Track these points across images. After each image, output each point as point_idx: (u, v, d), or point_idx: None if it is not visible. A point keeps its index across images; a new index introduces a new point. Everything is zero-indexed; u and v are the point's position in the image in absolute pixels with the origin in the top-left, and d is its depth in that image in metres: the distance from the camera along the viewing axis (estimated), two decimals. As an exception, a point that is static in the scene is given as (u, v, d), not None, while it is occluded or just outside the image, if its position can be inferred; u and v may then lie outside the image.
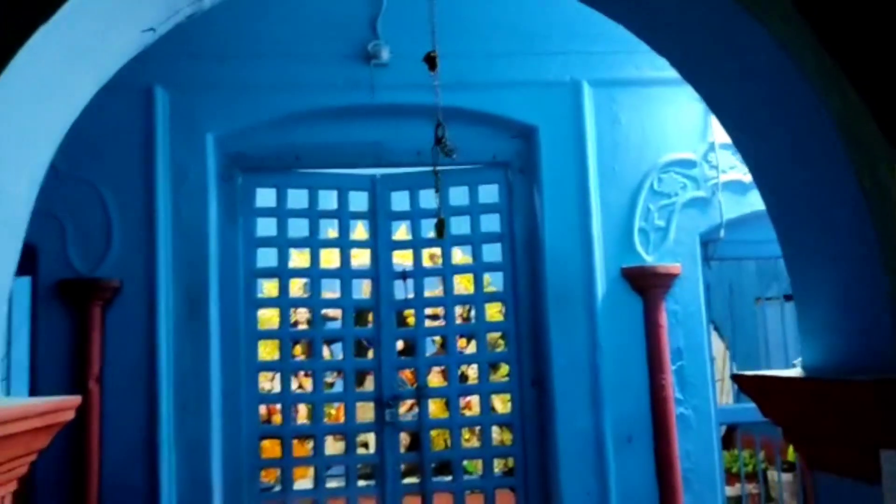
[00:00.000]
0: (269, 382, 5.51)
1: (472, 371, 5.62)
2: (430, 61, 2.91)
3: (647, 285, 4.64)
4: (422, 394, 4.91)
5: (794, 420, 2.27)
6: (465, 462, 4.99)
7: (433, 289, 5.61)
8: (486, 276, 5.28)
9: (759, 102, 2.19)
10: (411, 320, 5.28)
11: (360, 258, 5.14)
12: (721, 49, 2.20)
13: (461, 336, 5.53)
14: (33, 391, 4.29)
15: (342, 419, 4.98)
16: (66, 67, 1.99)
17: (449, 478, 4.98)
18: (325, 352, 5.64)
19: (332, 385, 6.11)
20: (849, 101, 1.89)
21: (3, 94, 1.80)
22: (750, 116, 2.30)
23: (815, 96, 1.93)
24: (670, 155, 4.76)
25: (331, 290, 5.13)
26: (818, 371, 2.17)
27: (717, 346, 6.22)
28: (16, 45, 1.78)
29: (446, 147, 3.09)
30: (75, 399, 2.24)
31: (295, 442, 4.92)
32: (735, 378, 2.58)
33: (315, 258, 4.93)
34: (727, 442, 5.84)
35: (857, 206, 1.92)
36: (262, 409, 5.19)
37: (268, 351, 5.23)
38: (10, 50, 1.77)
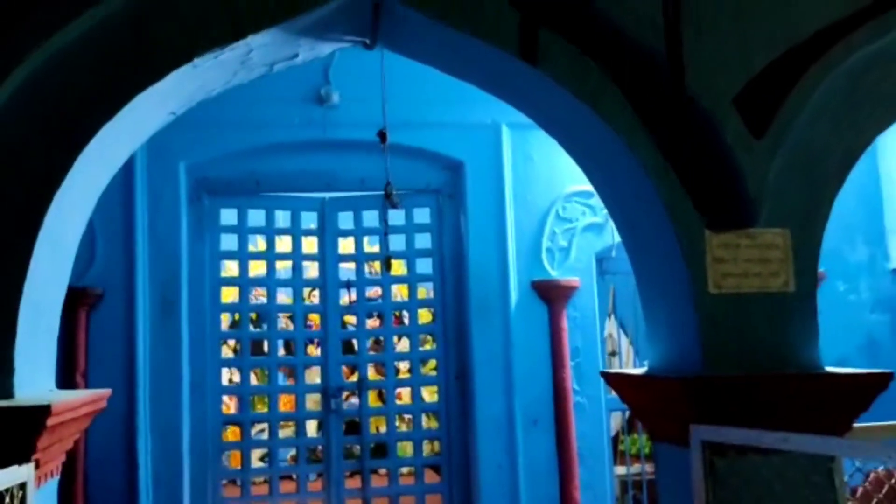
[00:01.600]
0: (230, 376, 6.11)
1: (405, 366, 6.30)
2: (382, 136, 3.59)
3: (551, 296, 5.44)
4: (362, 386, 5.61)
5: (640, 404, 3.08)
6: (398, 444, 5.69)
7: (373, 293, 6.28)
8: (419, 286, 5.99)
9: (619, 181, 2.98)
10: (353, 322, 5.96)
11: (311, 269, 5.80)
12: (593, 145, 2.98)
13: (396, 336, 6.22)
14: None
15: (293, 409, 5.62)
16: (115, 142, 2.63)
17: (384, 459, 5.69)
18: (280, 351, 6.25)
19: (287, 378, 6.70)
20: (675, 188, 2.69)
21: (78, 167, 2.43)
22: (613, 188, 3.09)
23: (651, 183, 2.71)
24: (573, 187, 5.53)
25: (284, 297, 5.75)
26: (654, 370, 2.98)
27: (625, 342, 7.04)
28: (91, 132, 2.42)
29: (394, 201, 3.79)
30: (107, 391, 2.88)
31: (252, 427, 5.56)
32: (602, 374, 3.38)
33: (271, 269, 5.56)
34: (631, 427, 6.61)
35: (677, 258, 2.72)
36: (225, 399, 5.79)
37: (230, 348, 5.82)
38: (90, 133, 2.41)
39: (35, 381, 2.48)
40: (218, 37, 2.50)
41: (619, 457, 6.21)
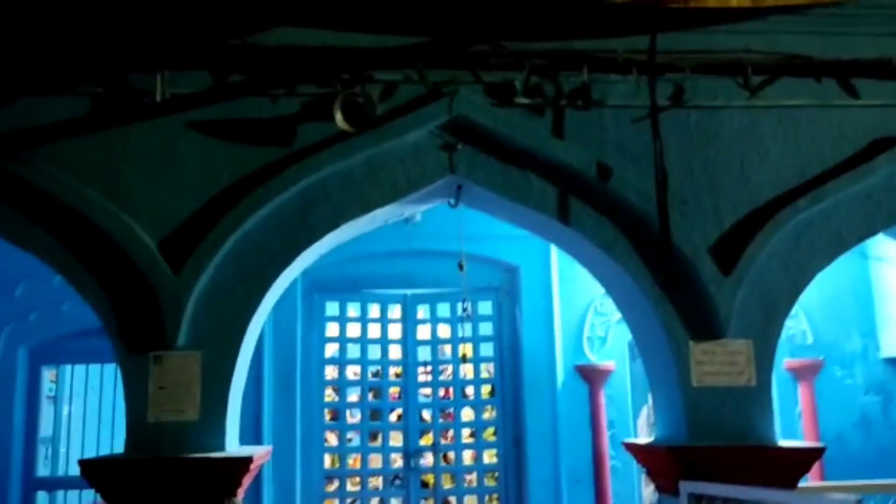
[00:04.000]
0: (331, 438, 7.15)
1: (469, 432, 7.20)
2: (460, 266, 4.68)
3: (591, 377, 6.38)
4: (436, 449, 6.58)
5: (648, 466, 4.00)
6: (465, 498, 6.60)
7: (445, 374, 7.30)
8: (482, 366, 6.99)
9: (630, 303, 3.98)
10: (428, 394, 6.98)
11: (394, 351, 6.87)
12: (611, 278, 4.01)
13: (463, 407, 7.17)
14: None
15: (380, 465, 6.60)
16: (286, 279, 3.75)
17: (453, 509, 6.63)
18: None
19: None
20: (669, 310, 3.67)
21: (264, 300, 3.56)
22: (626, 307, 4.10)
23: (651, 306, 3.70)
24: (609, 287, 6.51)
25: (374, 374, 6.82)
26: (656, 440, 3.91)
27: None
28: (274, 277, 3.55)
29: (468, 313, 4.85)
30: (269, 447, 3.95)
31: (347, 480, 6.57)
32: (623, 444, 4.33)
33: (364, 351, 6.65)
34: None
35: (670, 359, 3.69)
36: (327, 457, 6.81)
37: (331, 416, 6.88)
38: (273, 277, 3.54)
39: (233, 441, 3.56)
40: (356, 212, 3.64)
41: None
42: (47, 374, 6.32)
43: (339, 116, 3.52)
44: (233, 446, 3.53)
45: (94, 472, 3.24)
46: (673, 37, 3.75)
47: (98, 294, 3.42)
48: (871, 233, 3.90)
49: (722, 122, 3.85)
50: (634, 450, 4.15)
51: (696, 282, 3.66)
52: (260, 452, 3.57)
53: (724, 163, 3.82)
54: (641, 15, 3.70)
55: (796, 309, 6.43)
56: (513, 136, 3.72)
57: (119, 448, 3.43)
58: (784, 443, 3.69)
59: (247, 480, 3.38)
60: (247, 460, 3.27)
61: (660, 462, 3.79)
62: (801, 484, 3.68)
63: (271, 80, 3.63)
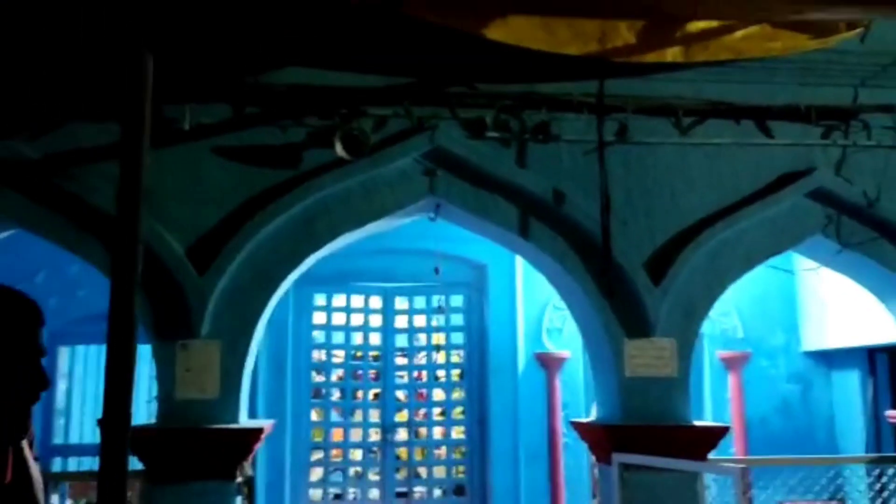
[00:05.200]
0: (316, 414, 7.77)
1: (440, 411, 7.86)
2: (436, 271, 5.31)
3: (548, 364, 7.06)
4: (410, 425, 7.24)
5: (590, 441, 4.68)
6: (434, 468, 7.27)
7: (419, 359, 7.93)
8: (453, 352, 7.63)
9: (577, 306, 4.65)
10: (404, 377, 7.61)
11: (374, 339, 7.49)
12: (563, 285, 4.67)
13: (435, 389, 7.83)
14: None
15: (360, 439, 7.24)
16: (287, 280, 4.35)
17: (424, 479, 7.29)
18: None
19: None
20: (608, 313, 4.34)
21: (271, 300, 4.16)
22: (575, 308, 4.76)
23: (594, 310, 4.37)
24: (566, 285, 7.20)
25: (356, 358, 7.42)
26: (597, 420, 4.59)
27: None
28: (280, 280, 4.15)
29: (442, 309, 5.48)
30: (273, 420, 4.56)
31: (331, 451, 7.21)
32: (570, 422, 5.00)
33: (348, 338, 7.27)
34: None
35: (609, 354, 4.36)
36: (313, 431, 7.43)
37: (316, 395, 7.50)
38: (280, 280, 4.14)
39: (244, 415, 4.17)
40: (351, 225, 4.25)
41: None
42: (63, 353, 6.85)
43: (338, 145, 4.11)
44: (244, 420, 4.14)
45: (133, 439, 3.83)
46: (618, 83, 4.38)
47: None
48: (777, 252, 4.61)
49: (657, 156, 4.51)
50: (579, 427, 4.83)
51: (632, 290, 4.33)
52: (267, 424, 4.19)
53: (658, 191, 4.49)
54: (592, 65, 4.34)
55: (729, 307, 7.22)
56: (483, 165, 4.35)
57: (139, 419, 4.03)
58: (697, 423, 4.39)
59: (256, 447, 4.00)
60: (258, 431, 3.89)
61: (598, 437, 4.47)
62: (725, 456, 4.38)
63: (281, 112, 4.20)
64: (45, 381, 1.33)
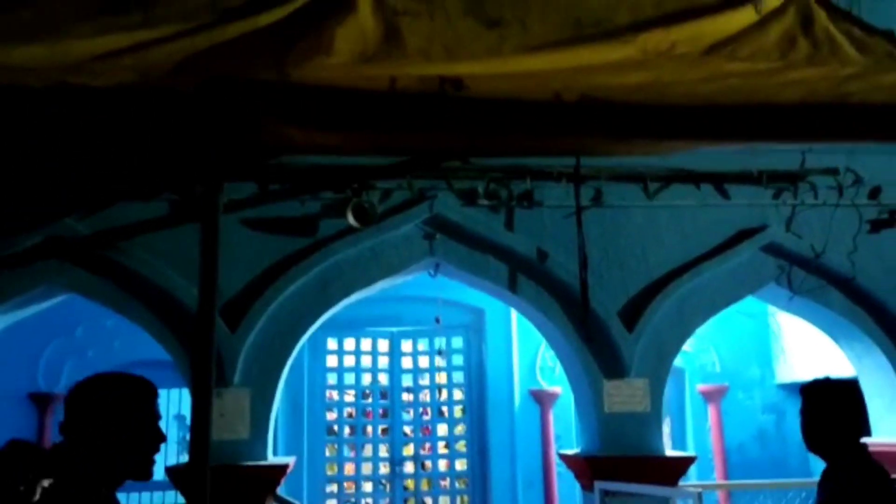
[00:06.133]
0: (330, 449, 8.22)
1: (443, 444, 8.31)
2: (437, 320, 5.84)
3: (542, 399, 7.53)
4: (416, 458, 7.68)
5: (576, 471, 5.15)
6: (439, 498, 7.70)
7: (424, 396, 8.39)
8: (455, 390, 8.11)
9: (562, 349, 5.15)
10: (410, 413, 8.08)
11: (383, 379, 7.97)
12: (550, 332, 5.17)
13: (439, 424, 8.30)
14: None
15: (371, 472, 7.69)
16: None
17: (430, 508, 7.73)
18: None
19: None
20: (587, 356, 4.84)
21: (293, 351, 4.67)
22: (559, 351, 5.26)
23: (576, 353, 4.87)
24: (557, 326, 7.69)
25: (366, 397, 7.90)
26: (580, 451, 5.06)
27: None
28: (301, 334, 4.66)
29: (443, 353, 5.99)
30: (294, 457, 5.04)
31: (344, 484, 7.65)
32: (558, 454, 5.47)
33: (358, 378, 7.76)
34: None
35: (589, 392, 4.84)
36: (327, 465, 7.88)
37: (330, 432, 7.97)
38: (301, 334, 4.66)
39: (269, 452, 4.66)
40: (362, 285, 4.78)
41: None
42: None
43: (350, 216, 4.65)
44: (271, 457, 4.62)
45: (175, 475, 4.32)
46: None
47: (175, 346, 4.52)
48: (737, 300, 5.11)
49: (629, 218, 5.03)
50: (566, 459, 5.29)
51: (608, 336, 4.83)
52: (290, 460, 4.68)
53: (630, 248, 5.01)
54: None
55: (707, 343, 7.71)
56: (476, 228, 4.88)
57: (171, 456, 4.50)
58: (668, 453, 4.86)
59: (282, 481, 4.47)
60: (284, 466, 4.37)
61: (582, 467, 4.93)
62: (708, 481, 4.84)
63: (300, 188, 4.76)
64: (162, 437, 1.84)
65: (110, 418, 1.71)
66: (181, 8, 3.56)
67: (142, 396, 1.82)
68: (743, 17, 4.01)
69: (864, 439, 2.60)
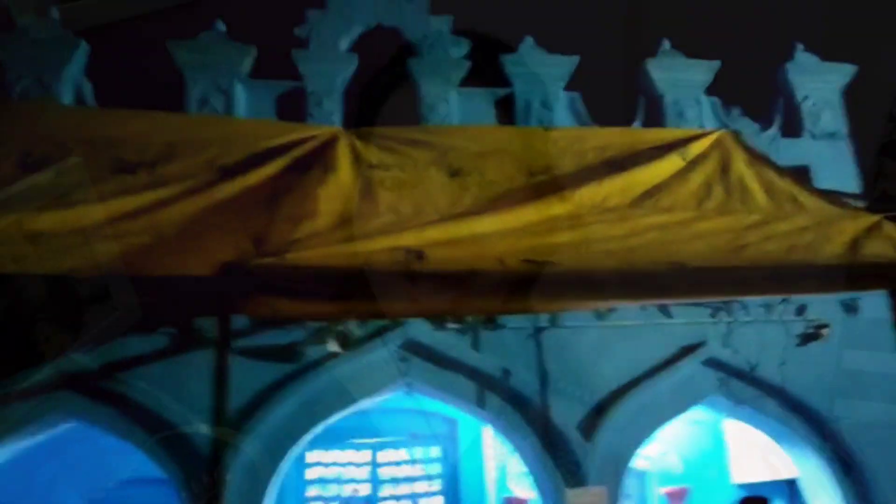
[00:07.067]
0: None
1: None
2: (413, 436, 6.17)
3: (515, 505, 7.74)
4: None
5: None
6: None
7: (402, 504, 8.54)
8: (434, 498, 8.25)
9: (525, 457, 5.48)
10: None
11: (364, 489, 8.13)
12: (513, 439, 5.52)
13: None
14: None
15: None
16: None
17: None
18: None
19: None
20: (550, 464, 5.18)
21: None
22: (525, 459, 5.58)
23: (539, 461, 5.21)
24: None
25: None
26: None
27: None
28: (293, 444, 4.97)
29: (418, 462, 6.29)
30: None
31: None
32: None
33: (340, 488, 7.93)
34: None
35: (555, 499, 5.15)
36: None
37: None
38: (294, 442, 4.97)
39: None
40: (342, 406, 5.14)
41: None
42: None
43: (330, 342, 5.07)
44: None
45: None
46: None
47: (172, 467, 4.80)
48: (683, 410, 5.53)
49: (583, 338, 5.49)
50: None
51: (567, 446, 5.19)
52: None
53: (586, 364, 5.44)
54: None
55: (670, 447, 8.02)
56: (446, 351, 5.31)
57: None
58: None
59: None
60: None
61: None
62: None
63: (285, 318, 5.18)
64: None
65: None
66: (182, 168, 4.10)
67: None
68: (670, 165, 4.65)
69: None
